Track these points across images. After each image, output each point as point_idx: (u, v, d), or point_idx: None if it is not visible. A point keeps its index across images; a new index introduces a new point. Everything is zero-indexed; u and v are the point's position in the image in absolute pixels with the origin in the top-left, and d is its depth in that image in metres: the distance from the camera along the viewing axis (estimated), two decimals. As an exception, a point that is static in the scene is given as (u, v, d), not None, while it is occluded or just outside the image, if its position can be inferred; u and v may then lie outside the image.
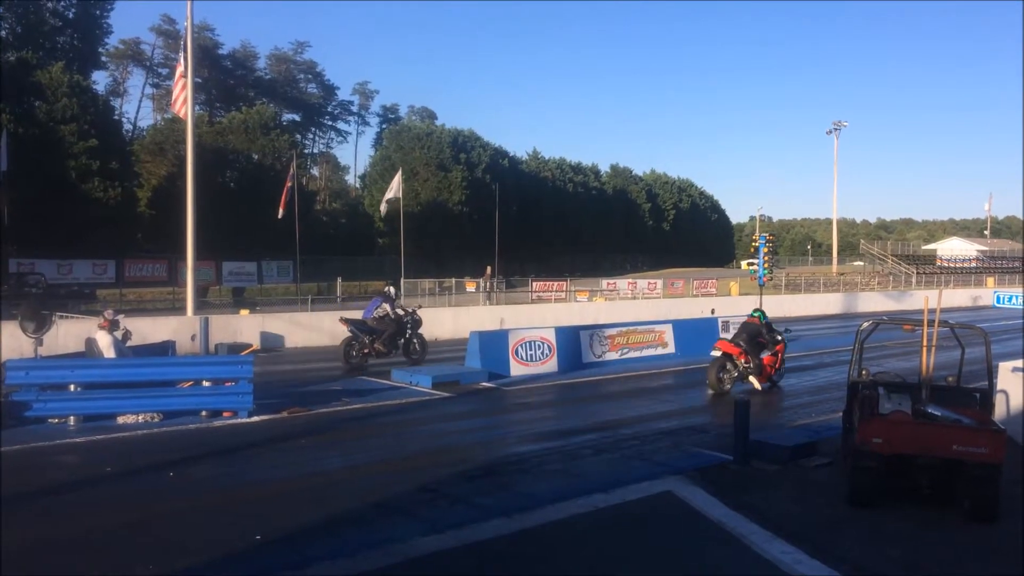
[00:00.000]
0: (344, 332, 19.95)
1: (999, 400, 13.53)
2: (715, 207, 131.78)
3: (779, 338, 17.17)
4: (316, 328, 25.46)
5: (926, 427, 9.16)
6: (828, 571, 7.20)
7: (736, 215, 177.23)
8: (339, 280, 45.68)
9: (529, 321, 26.45)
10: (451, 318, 28.80)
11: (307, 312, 27.99)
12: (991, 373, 10.42)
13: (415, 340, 20.25)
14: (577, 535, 8.17)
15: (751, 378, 16.80)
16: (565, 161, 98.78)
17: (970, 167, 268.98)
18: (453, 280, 43.79)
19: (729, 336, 20.89)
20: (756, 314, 17.53)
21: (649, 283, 47.83)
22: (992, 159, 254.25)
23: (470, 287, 42.98)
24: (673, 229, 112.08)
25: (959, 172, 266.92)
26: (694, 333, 23.16)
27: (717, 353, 16.67)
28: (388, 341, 19.48)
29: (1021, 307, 12.30)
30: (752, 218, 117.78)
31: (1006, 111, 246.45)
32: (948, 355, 11.92)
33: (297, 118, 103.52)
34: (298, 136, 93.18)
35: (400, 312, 20.13)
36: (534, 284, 42.96)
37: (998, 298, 12.80)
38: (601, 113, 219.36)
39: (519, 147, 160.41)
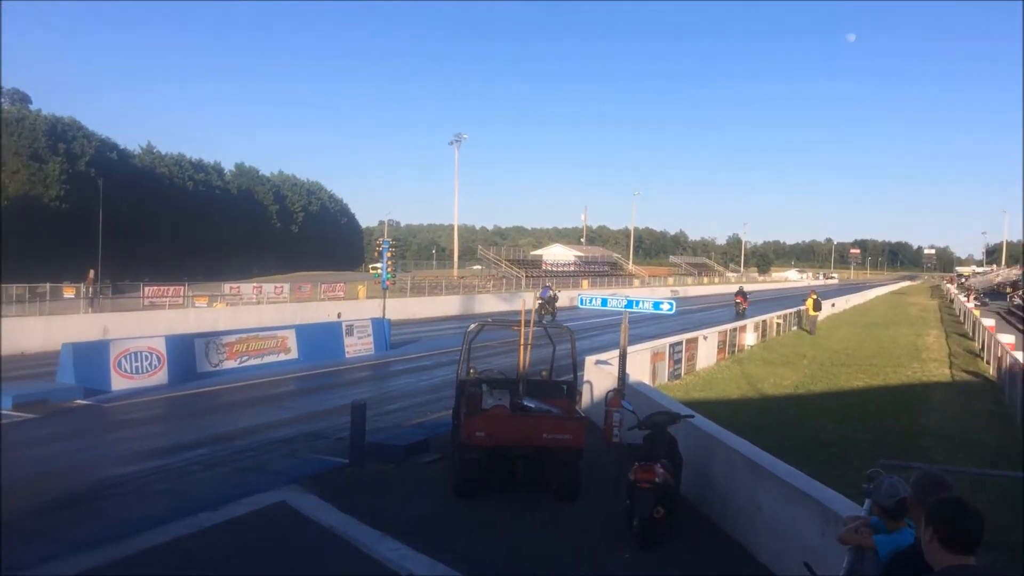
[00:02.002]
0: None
1: (586, 389, 15.31)
2: (345, 211, 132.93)
3: None
4: None
5: (521, 419, 10.01)
6: (432, 563, 7.53)
7: (366, 219, 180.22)
8: None
9: (139, 330, 24.21)
10: (43, 328, 25.28)
11: None
12: (576, 367, 11.65)
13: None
14: (181, 559, 7.64)
15: None
16: (184, 157, 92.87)
17: (569, 181, 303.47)
18: (48, 285, 38.58)
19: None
20: None
21: (276, 287, 46.45)
22: (586, 174, 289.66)
23: (69, 293, 38.09)
24: (302, 232, 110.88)
25: (561, 185, 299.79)
26: (318, 338, 23.01)
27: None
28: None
29: (601, 307, 14.13)
30: (381, 222, 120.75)
31: (594, 128, 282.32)
32: (547, 351, 13.08)
33: None
34: None
35: (553, 295, 37.79)
36: (146, 289, 39.47)
37: (581, 300, 14.40)
38: (223, 108, 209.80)
39: (131, 140, 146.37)
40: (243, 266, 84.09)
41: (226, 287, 44.54)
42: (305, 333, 22.73)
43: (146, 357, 17.64)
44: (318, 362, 21.64)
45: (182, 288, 38.54)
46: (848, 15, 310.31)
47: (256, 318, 31.66)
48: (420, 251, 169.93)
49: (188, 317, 30.87)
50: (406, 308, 40.79)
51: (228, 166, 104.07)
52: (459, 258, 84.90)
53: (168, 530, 8.29)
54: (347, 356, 23.23)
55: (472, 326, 11.97)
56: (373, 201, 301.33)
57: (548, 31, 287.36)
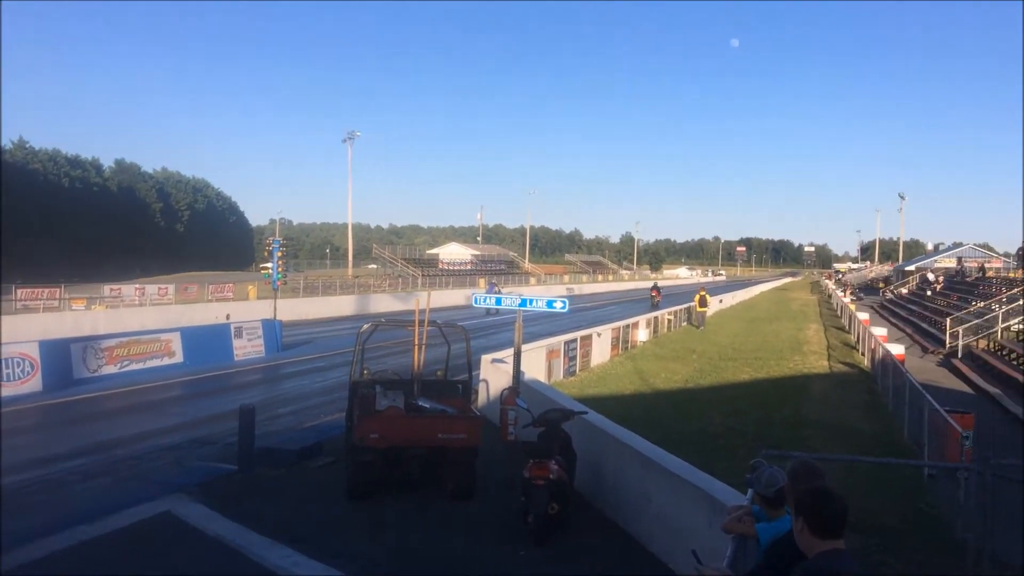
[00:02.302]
0: None
1: (482, 388, 15.33)
2: (233, 209, 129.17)
3: None
4: None
5: (416, 420, 9.92)
6: (324, 568, 7.38)
7: (256, 218, 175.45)
8: None
9: (10, 335, 22.82)
10: (-100, 335, 23.55)
11: None
12: (471, 366, 11.63)
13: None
14: (58, 574, 7.23)
15: None
16: (59, 153, 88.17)
17: (465, 180, 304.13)
18: (-95, 289, 35.96)
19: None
20: None
21: (160, 288, 44.53)
22: (482, 173, 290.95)
23: (-69, 296, 35.70)
24: (188, 231, 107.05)
25: (457, 184, 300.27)
26: (204, 340, 22.23)
27: None
28: None
29: (496, 306, 13.97)
30: (272, 221, 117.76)
31: (489, 127, 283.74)
32: (442, 351, 12.96)
33: None
34: None
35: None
36: (18, 292, 37.24)
37: (476, 299, 14.08)
38: (103, 102, 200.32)
39: (2, 135, 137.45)
40: (125, 267, 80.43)
41: (106, 288, 42.40)
42: (191, 336, 21.91)
43: (18, 363, 16.64)
44: (205, 365, 20.91)
45: (58, 290, 36.49)
46: (729, 16, 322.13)
47: (138, 321, 30.37)
48: (313, 250, 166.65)
49: (64, 320, 29.30)
50: (299, 309, 39.89)
51: (107, 162, 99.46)
52: (354, 257, 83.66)
53: (45, 544, 7.88)
54: (236, 359, 22.53)
55: (365, 326, 11.76)
56: (264, 199, 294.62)
57: (439, 29, 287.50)
